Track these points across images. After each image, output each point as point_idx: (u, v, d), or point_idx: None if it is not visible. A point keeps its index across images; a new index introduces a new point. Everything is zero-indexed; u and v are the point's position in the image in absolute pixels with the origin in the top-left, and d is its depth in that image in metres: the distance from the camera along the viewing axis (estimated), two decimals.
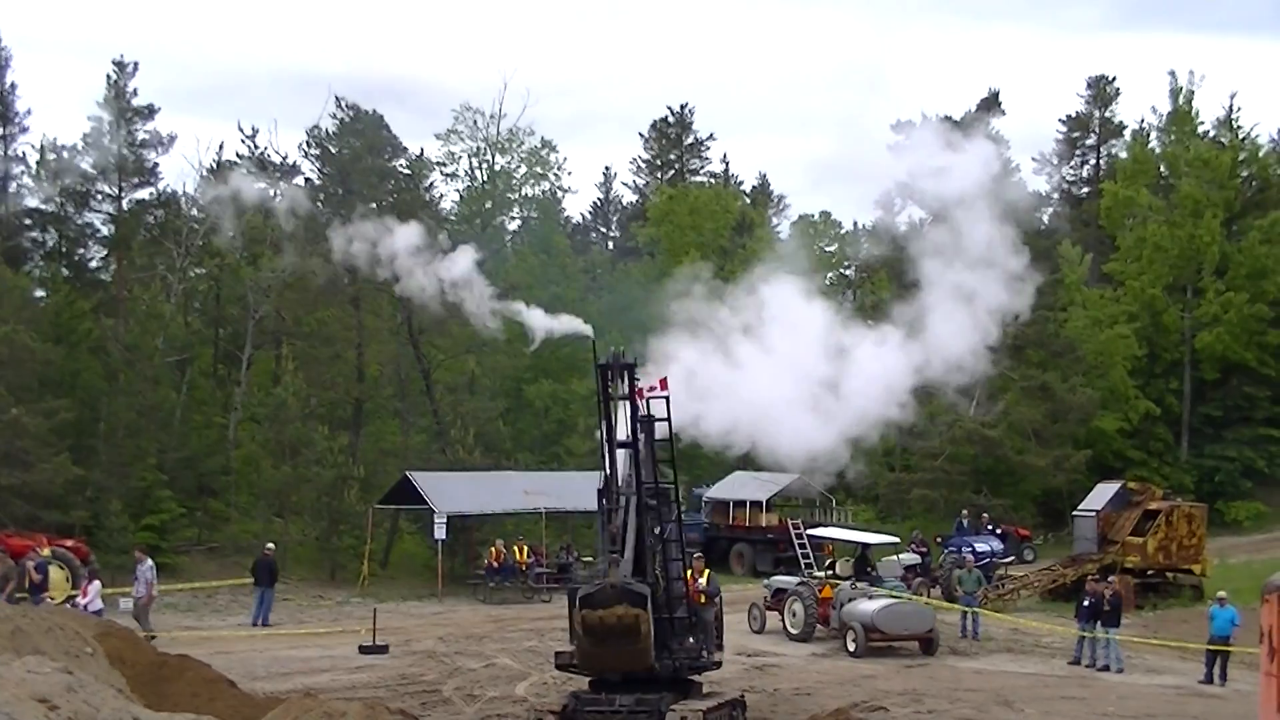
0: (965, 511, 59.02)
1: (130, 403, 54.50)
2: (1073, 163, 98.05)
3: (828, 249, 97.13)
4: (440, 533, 52.34)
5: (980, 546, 52.68)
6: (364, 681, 33.08)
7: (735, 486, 60.93)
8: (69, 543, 46.50)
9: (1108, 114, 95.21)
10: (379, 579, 55.69)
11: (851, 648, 38.22)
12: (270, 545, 47.45)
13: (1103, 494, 51.91)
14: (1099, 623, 37.41)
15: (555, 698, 26.95)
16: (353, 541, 56.71)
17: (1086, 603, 38.41)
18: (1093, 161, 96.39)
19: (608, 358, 24.41)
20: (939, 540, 55.32)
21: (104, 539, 49.94)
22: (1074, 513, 53.46)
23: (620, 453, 25.05)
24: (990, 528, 57.47)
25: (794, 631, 41.29)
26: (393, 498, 54.68)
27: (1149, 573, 48.83)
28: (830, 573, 44.32)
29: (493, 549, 52.03)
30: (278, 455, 58.11)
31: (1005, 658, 39.22)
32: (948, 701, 30.96)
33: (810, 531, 52.21)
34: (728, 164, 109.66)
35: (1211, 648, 35.36)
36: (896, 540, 50.08)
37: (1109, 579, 40.28)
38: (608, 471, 24.46)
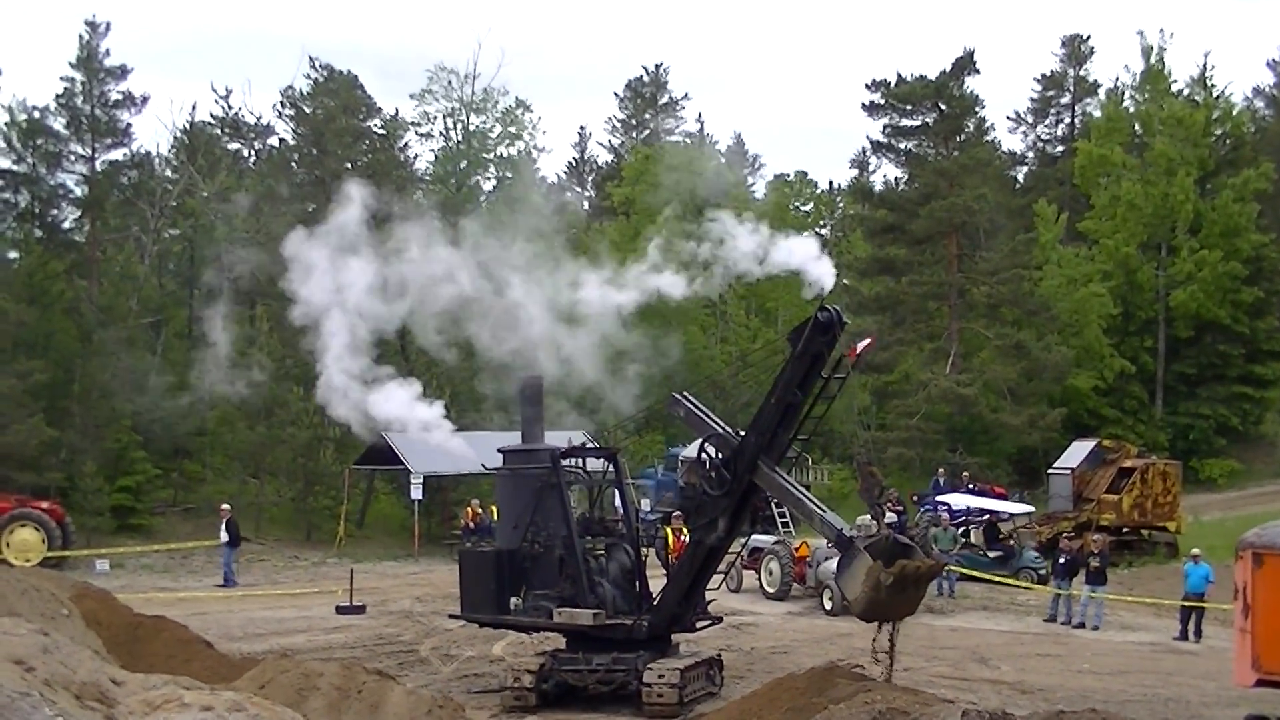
0: (941, 470, 59.06)
1: (104, 364, 54.28)
2: (1047, 121, 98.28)
3: (804, 208, 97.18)
4: (416, 493, 52.42)
5: (956, 505, 52.77)
6: (341, 642, 33.09)
7: None
8: (44, 504, 46.46)
9: (1082, 72, 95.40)
10: (355, 539, 55.71)
11: (828, 606, 38.31)
12: (225, 505, 47.39)
13: (1078, 452, 52.07)
14: (1085, 581, 37.56)
15: (532, 657, 26.98)
16: (329, 502, 56.69)
17: (1062, 560, 38.60)
18: (1067, 120, 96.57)
19: (829, 314, 23.78)
20: (915, 498, 55.33)
21: (79, 500, 49.89)
22: (1049, 471, 53.65)
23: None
24: (970, 486, 57.54)
25: (770, 590, 41.48)
26: (368, 458, 54.54)
27: (1124, 530, 49.04)
28: (965, 540, 44.62)
29: (468, 509, 51.97)
30: (252, 416, 57.97)
31: (981, 615, 39.37)
32: (924, 659, 31.03)
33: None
34: (702, 123, 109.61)
35: (1186, 604, 35.59)
36: (1031, 509, 50.07)
37: (1094, 537, 40.33)
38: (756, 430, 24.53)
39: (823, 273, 26.00)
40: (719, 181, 59.95)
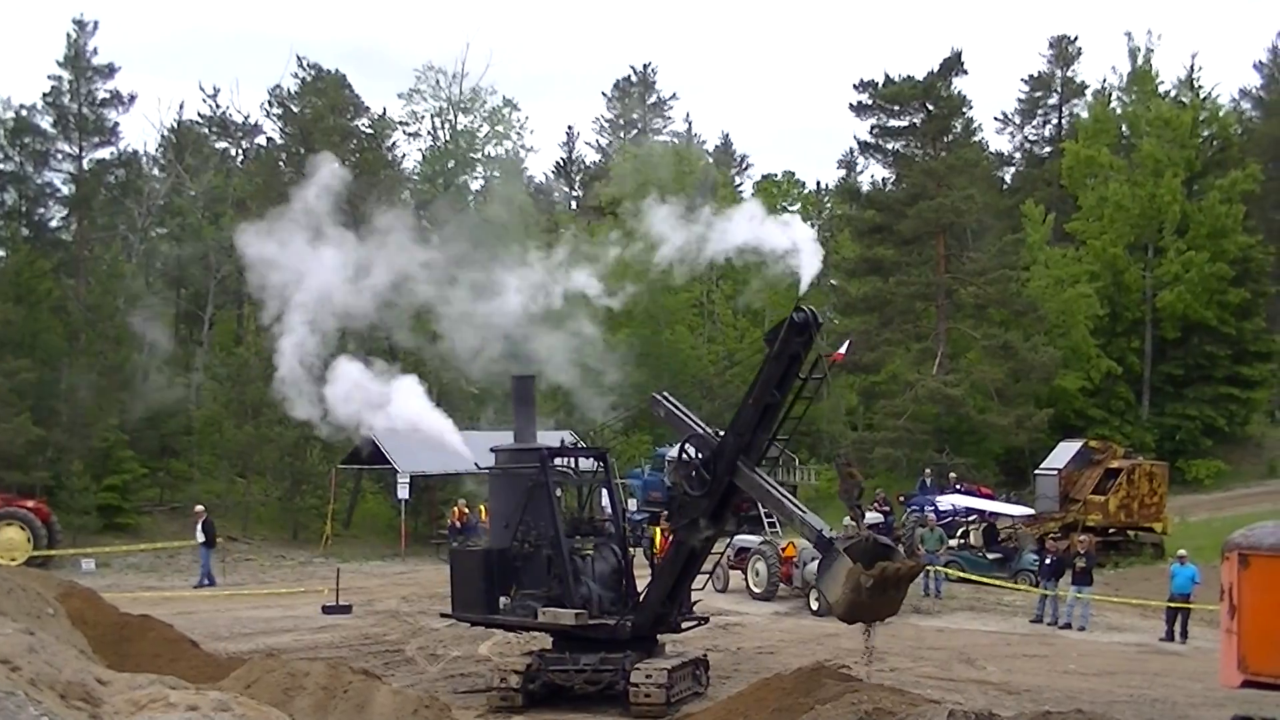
0: (928, 470, 59.07)
1: (91, 363, 54.21)
2: (1035, 122, 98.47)
3: (791, 208, 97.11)
4: (403, 493, 52.40)
5: (943, 505, 52.75)
6: (327, 641, 33.06)
7: None
8: (30, 503, 46.39)
9: (1070, 73, 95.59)
10: (342, 539, 55.66)
11: (814, 606, 38.26)
12: (200, 507, 47.32)
13: (1064, 452, 52.06)
14: (1071, 582, 37.59)
15: (519, 657, 26.95)
16: (315, 501, 56.62)
17: (1048, 561, 38.64)
18: (1055, 121, 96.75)
19: (805, 315, 23.50)
20: (901, 499, 55.34)
21: (65, 499, 49.82)
22: (1036, 471, 53.63)
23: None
24: (957, 487, 57.49)
25: (757, 590, 41.47)
26: (355, 458, 54.44)
27: (1110, 531, 49.06)
28: (964, 541, 44.64)
29: (455, 509, 51.93)
30: (240, 415, 57.91)
31: (967, 616, 39.38)
32: (910, 660, 31.06)
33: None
34: (690, 123, 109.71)
35: (1172, 605, 35.60)
36: (1031, 511, 50.03)
37: (1081, 538, 40.35)
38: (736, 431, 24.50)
39: (781, 240, 24.82)
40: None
